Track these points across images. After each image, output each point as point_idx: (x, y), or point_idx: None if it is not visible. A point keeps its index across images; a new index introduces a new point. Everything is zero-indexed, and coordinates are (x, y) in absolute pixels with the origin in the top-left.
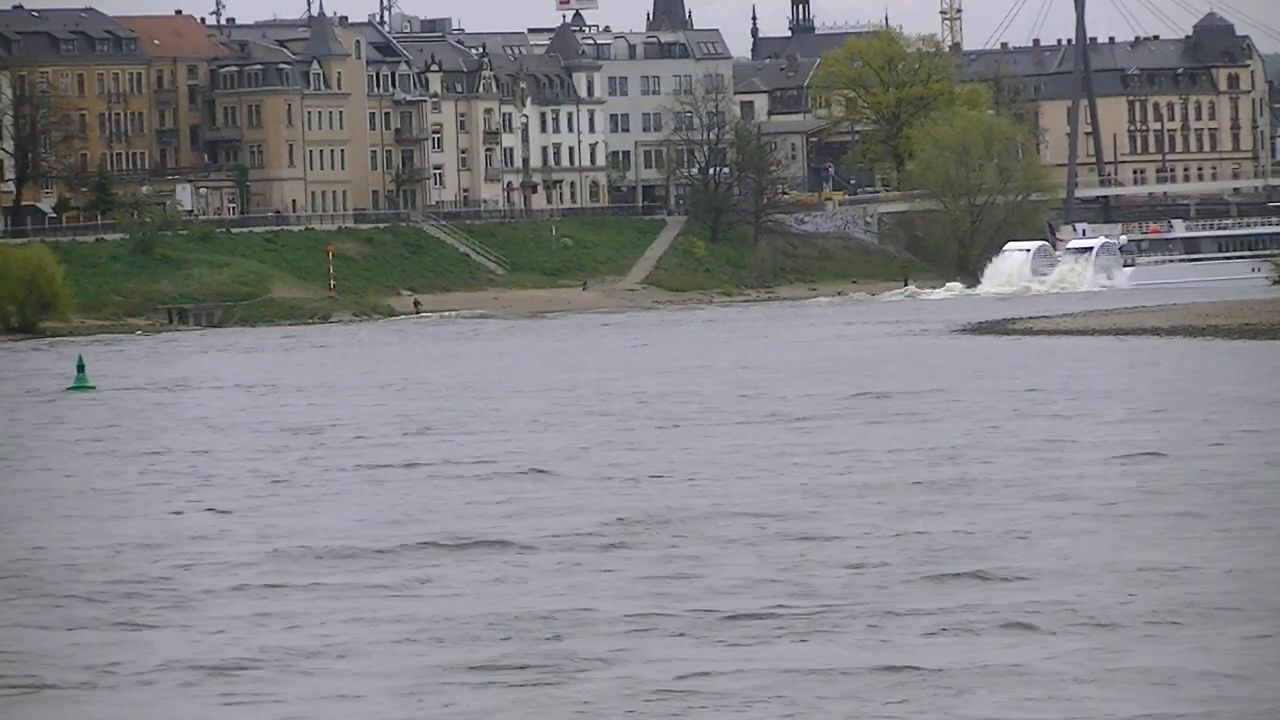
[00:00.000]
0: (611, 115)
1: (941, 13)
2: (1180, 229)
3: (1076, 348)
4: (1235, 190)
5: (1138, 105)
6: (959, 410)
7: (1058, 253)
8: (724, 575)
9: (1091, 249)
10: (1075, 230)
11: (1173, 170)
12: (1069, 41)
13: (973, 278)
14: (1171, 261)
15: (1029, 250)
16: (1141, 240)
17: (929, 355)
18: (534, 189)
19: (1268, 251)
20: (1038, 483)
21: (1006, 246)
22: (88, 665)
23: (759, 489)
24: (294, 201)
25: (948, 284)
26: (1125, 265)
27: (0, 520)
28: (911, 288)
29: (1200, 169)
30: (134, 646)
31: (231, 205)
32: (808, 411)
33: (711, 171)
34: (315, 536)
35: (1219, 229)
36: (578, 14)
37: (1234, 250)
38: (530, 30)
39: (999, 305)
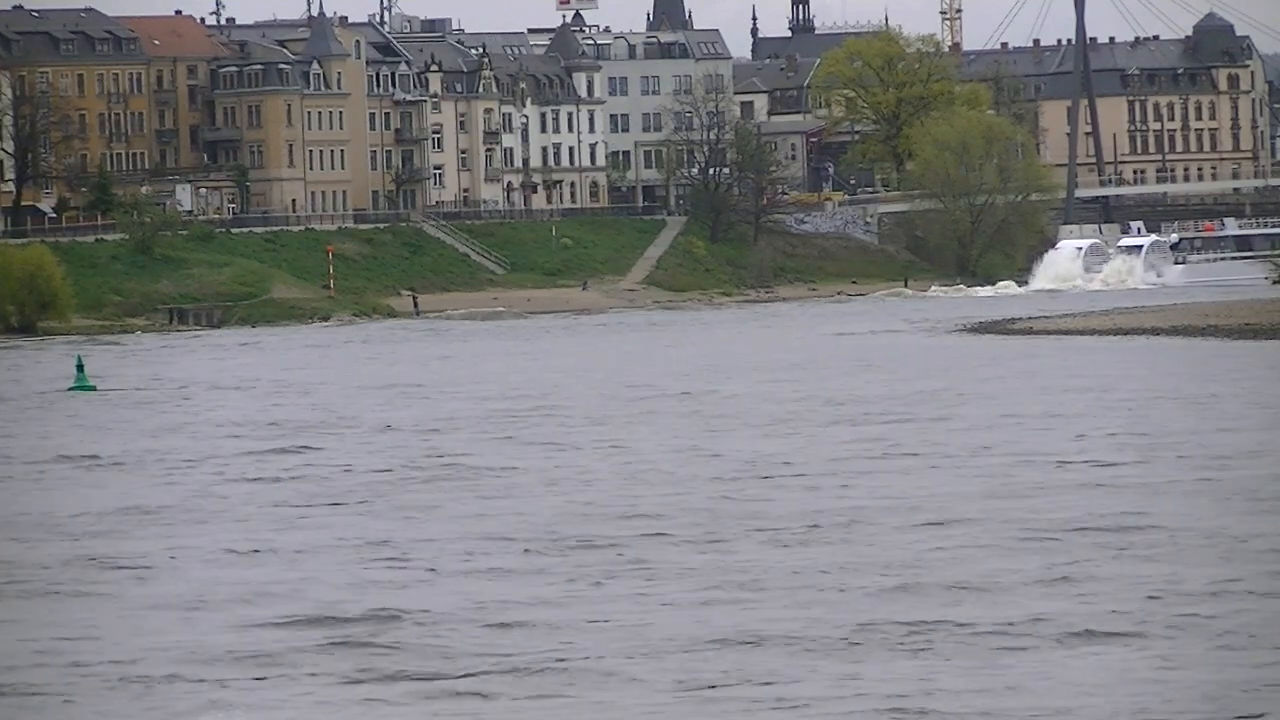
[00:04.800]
0: (611, 115)
1: (941, 13)
2: (1233, 227)
3: (1111, 347)
4: (1235, 190)
5: (1138, 105)
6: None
7: (1110, 250)
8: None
9: (1142, 246)
10: (1129, 228)
11: (1173, 170)
12: (1069, 41)
13: (973, 277)
14: (1223, 259)
15: (1081, 248)
16: (1195, 238)
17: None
18: (534, 189)
19: None
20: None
21: (1059, 244)
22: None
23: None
24: (294, 201)
25: (1000, 281)
26: (1176, 263)
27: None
28: (958, 284)
29: (1200, 169)
30: None
31: (231, 205)
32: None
33: (711, 172)
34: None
35: (1272, 227)
36: (578, 14)
37: None
38: (530, 30)
39: (1058, 301)
